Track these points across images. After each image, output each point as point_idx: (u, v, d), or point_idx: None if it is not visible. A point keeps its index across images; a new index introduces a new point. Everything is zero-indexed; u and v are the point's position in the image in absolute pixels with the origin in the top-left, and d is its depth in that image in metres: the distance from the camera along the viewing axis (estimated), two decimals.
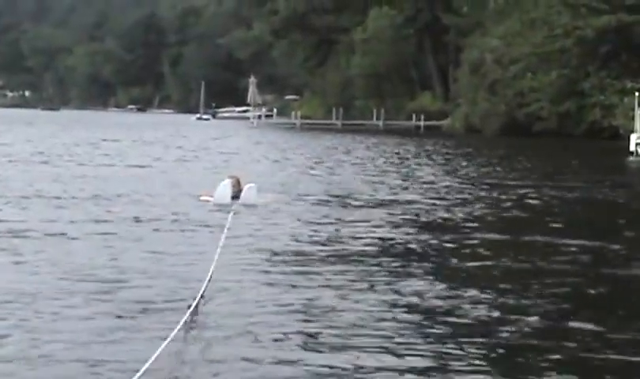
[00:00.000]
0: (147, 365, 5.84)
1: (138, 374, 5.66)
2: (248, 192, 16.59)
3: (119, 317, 8.19)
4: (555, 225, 15.63)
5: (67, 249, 11.67)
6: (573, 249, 12.72)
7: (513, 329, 8.05)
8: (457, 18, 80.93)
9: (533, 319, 8.38)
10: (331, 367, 6.79)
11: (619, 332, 8.00)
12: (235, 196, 16.56)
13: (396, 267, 11.09)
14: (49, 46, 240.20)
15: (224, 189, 16.49)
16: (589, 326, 8.21)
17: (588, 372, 7.02)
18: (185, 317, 7.52)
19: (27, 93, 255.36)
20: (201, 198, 16.99)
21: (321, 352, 7.25)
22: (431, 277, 10.46)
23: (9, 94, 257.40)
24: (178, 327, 7.04)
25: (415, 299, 9.23)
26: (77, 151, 34.99)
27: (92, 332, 7.63)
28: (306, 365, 6.89)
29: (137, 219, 14.54)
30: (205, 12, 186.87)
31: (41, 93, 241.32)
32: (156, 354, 6.01)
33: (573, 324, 8.30)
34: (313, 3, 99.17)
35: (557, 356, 7.25)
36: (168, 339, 6.52)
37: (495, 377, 6.78)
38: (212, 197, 16.70)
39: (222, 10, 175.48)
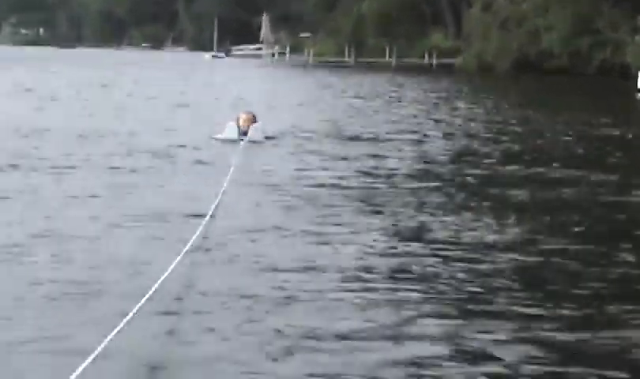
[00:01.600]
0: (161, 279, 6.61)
1: (146, 298, 6.28)
2: (254, 131, 17.03)
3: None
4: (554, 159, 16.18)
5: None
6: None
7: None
8: None
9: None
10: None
11: None
12: (245, 132, 16.98)
13: (415, 204, 11.17)
14: None
15: (231, 128, 17.14)
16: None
17: None
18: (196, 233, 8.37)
19: (41, 31, 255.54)
20: (213, 136, 17.46)
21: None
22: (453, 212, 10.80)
23: (23, 31, 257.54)
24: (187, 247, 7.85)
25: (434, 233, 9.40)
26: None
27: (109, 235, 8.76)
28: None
29: (154, 154, 15.24)
30: None
31: (55, 31, 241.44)
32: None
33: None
34: None
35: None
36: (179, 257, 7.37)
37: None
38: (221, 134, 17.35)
39: None
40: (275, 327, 6.11)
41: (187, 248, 7.70)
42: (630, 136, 21.76)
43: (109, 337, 5.25)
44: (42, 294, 6.78)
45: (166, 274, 6.70)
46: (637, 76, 42.35)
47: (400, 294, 7.03)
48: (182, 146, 16.15)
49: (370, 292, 7.07)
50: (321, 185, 12.27)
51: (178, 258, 7.24)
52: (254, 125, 17.30)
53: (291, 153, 15.99)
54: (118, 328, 5.45)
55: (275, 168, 13.90)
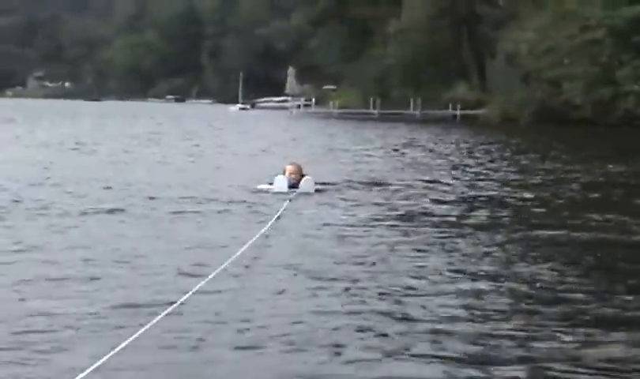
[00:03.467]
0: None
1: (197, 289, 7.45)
2: (305, 183, 16.42)
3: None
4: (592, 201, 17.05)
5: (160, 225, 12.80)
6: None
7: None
8: (492, 10, 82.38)
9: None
10: None
11: None
12: (294, 185, 16.38)
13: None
14: (88, 38, 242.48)
15: (281, 181, 16.40)
16: None
17: None
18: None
19: (66, 84, 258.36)
20: (259, 186, 16.80)
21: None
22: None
23: (49, 84, 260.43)
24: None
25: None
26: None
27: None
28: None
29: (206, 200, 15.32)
30: (243, 2, 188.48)
31: (80, 84, 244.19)
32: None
33: None
34: None
35: None
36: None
37: None
38: (271, 185, 16.57)
39: (260, 1, 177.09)
40: None
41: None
42: None
43: None
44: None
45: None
46: None
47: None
48: (233, 201, 15.38)
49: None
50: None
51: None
52: (306, 177, 16.68)
53: (342, 202, 15.55)
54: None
55: (324, 217, 13.46)
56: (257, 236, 10.53)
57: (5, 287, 8.17)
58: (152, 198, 15.24)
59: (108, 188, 16.91)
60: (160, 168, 22.71)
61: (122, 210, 13.60)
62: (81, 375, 5.21)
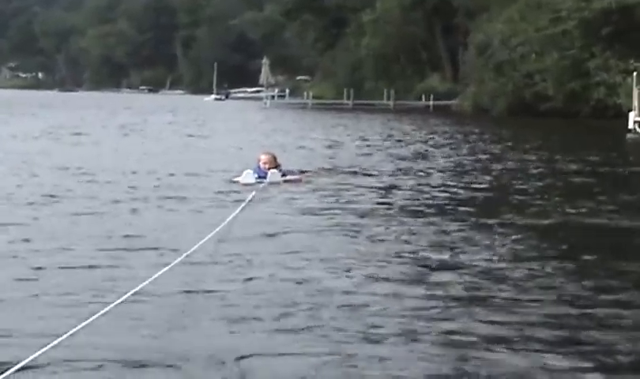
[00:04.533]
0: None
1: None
2: (272, 176, 16.81)
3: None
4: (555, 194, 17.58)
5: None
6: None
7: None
8: (465, 0, 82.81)
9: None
10: None
11: None
12: (266, 174, 16.82)
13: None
14: (61, 28, 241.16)
15: (249, 174, 16.84)
16: None
17: None
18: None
19: (40, 75, 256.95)
20: (232, 179, 17.24)
21: None
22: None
23: (22, 75, 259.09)
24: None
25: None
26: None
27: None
28: None
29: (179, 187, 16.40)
30: None
31: (54, 75, 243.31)
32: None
33: None
34: None
35: None
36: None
37: None
38: (240, 177, 17.06)
39: None
40: None
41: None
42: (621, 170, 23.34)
43: None
44: None
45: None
46: (627, 117, 43.99)
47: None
48: (202, 188, 16.42)
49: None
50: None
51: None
52: (272, 170, 16.99)
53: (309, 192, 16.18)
54: None
55: (284, 205, 14.24)
56: (222, 226, 11.00)
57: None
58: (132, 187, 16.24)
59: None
60: (148, 158, 23.79)
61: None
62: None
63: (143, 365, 6.00)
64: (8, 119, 46.74)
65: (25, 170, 19.35)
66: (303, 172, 18.47)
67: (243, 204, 13.36)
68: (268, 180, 16.60)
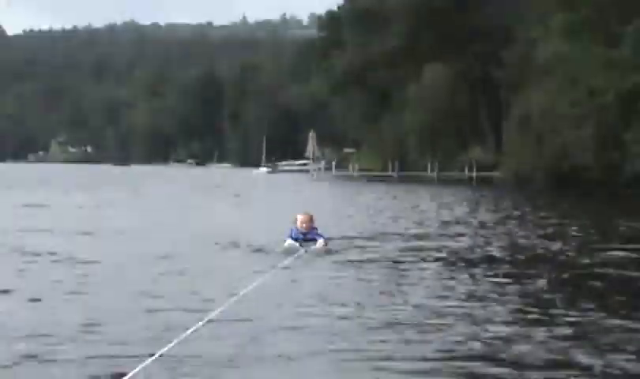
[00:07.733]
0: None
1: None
2: (319, 245, 17.09)
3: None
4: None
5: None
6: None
7: None
8: (506, 73, 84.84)
9: None
10: None
11: None
12: (305, 234, 17.27)
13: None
14: (109, 103, 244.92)
15: (291, 243, 17.10)
16: None
17: None
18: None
19: (89, 148, 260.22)
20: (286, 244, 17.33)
21: None
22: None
23: (71, 149, 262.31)
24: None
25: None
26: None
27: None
28: None
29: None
30: (263, 67, 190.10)
31: (102, 149, 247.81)
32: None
33: None
34: (369, 59, 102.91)
35: None
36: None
37: None
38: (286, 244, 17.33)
39: (280, 66, 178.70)
40: None
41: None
42: None
43: None
44: None
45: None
46: None
47: None
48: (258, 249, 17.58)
49: None
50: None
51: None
52: (320, 240, 17.25)
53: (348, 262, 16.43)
54: None
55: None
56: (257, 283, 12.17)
57: None
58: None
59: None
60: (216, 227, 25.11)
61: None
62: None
63: None
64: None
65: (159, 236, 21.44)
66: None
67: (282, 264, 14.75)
68: (312, 250, 16.90)
